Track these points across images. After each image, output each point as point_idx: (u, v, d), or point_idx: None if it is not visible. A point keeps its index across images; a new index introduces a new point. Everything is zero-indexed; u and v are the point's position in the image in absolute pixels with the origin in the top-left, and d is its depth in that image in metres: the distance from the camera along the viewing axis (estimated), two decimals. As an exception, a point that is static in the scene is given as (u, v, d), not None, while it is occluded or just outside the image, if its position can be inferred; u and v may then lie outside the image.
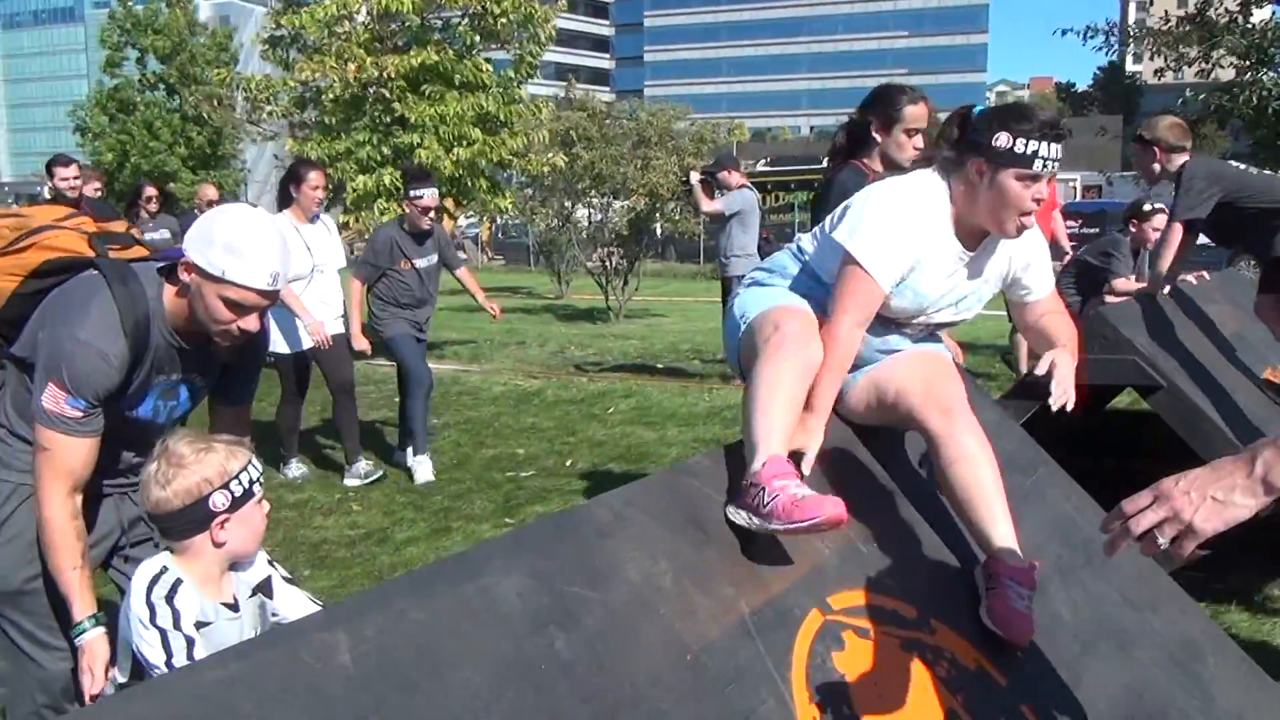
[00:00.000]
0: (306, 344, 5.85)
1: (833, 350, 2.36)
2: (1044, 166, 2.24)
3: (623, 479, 5.16)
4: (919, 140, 3.56)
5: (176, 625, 1.94)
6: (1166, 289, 4.59)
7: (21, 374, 2.26)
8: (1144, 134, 4.78)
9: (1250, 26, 10.63)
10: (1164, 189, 5.11)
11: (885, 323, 2.54)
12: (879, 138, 3.59)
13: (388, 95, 10.65)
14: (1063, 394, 2.43)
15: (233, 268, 2.10)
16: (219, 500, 2.02)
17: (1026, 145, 2.23)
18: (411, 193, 5.95)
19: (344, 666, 1.48)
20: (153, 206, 8.26)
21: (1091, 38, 12.19)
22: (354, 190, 10.40)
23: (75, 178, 7.34)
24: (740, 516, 2.10)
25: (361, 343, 6.19)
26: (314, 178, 5.82)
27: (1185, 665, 2.68)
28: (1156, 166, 4.68)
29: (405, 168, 5.66)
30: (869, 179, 3.32)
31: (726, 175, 8.73)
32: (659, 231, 19.81)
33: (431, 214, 6.06)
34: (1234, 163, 5.06)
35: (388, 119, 10.89)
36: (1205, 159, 4.87)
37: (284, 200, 5.88)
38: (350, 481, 5.99)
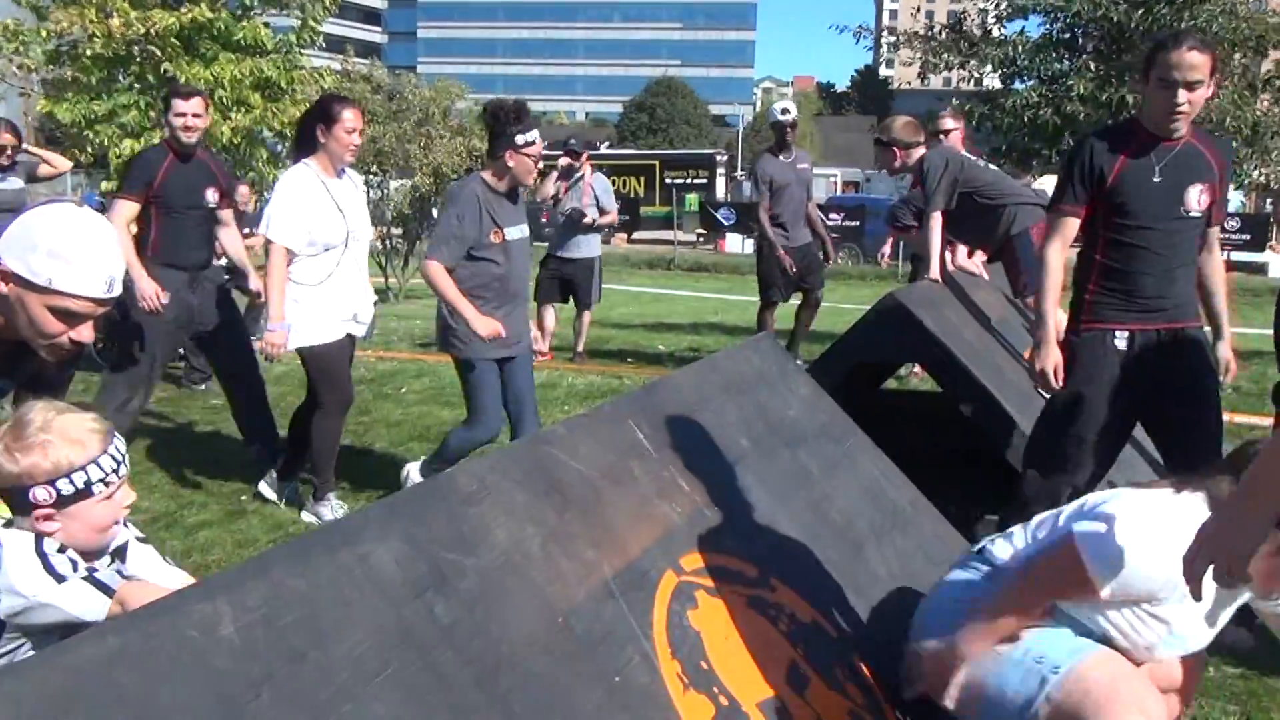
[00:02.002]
0: (357, 331, 4.69)
1: None
2: None
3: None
4: None
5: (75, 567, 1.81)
6: (938, 275, 4.97)
7: None
8: (881, 136, 5.32)
9: (1002, 39, 11.61)
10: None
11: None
12: None
13: (158, 54, 9.91)
14: None
15: (61, 275, 1.89)
16: (40, 494, 1.84)
17: None
18: (518, 139, 4.27)
19: (229, 638, 1.42)
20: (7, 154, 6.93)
21: (864, 38, 12.97)
22: (117, 157, 9.62)
23: None
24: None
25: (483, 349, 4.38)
26: (350, 118, 4.43)
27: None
28: (897, 163, 5.22)
29: (497, 100, 4.32)
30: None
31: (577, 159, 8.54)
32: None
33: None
34: (965, 153, 5.45)
35: (155, 80, 10.14)
36: (940, 148, 5.30)
37: (305, 147, 4.51)
38: (308, 517, 4.67)
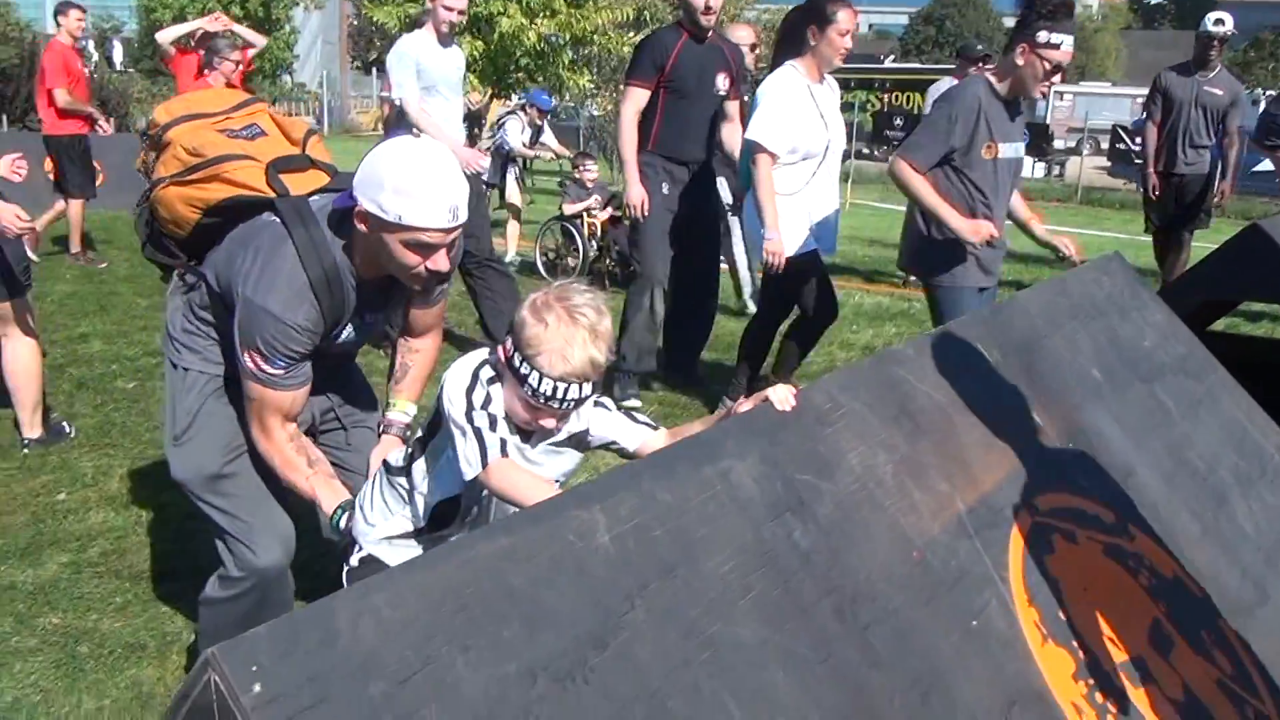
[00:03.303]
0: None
1: None
2: None
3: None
4: None
5: (492, 427, 1.84)
6: None
7: (207, 282, 2.21)
8: None
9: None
10: None
11: None
12: None
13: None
14: None
15: (408, 210, 1.92)
16: (503, 354, 1.86)
17: None
18: (1040, 35, 3.55)
19: (604, 546, 1.41)
20: None
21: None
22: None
23: (79, 20, 7.60)
24: None
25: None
26: (845, 19, 4.17)
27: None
28: None
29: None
30: None
31: None
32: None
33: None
34: None
35: (470, -17, 10.47)
36: None
37: (791, 49, 4.27)
38: None
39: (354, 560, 2.09)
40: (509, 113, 9.14)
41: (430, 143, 2.05)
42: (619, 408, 2.03)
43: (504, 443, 1.83)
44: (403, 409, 2.44)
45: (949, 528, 1.87)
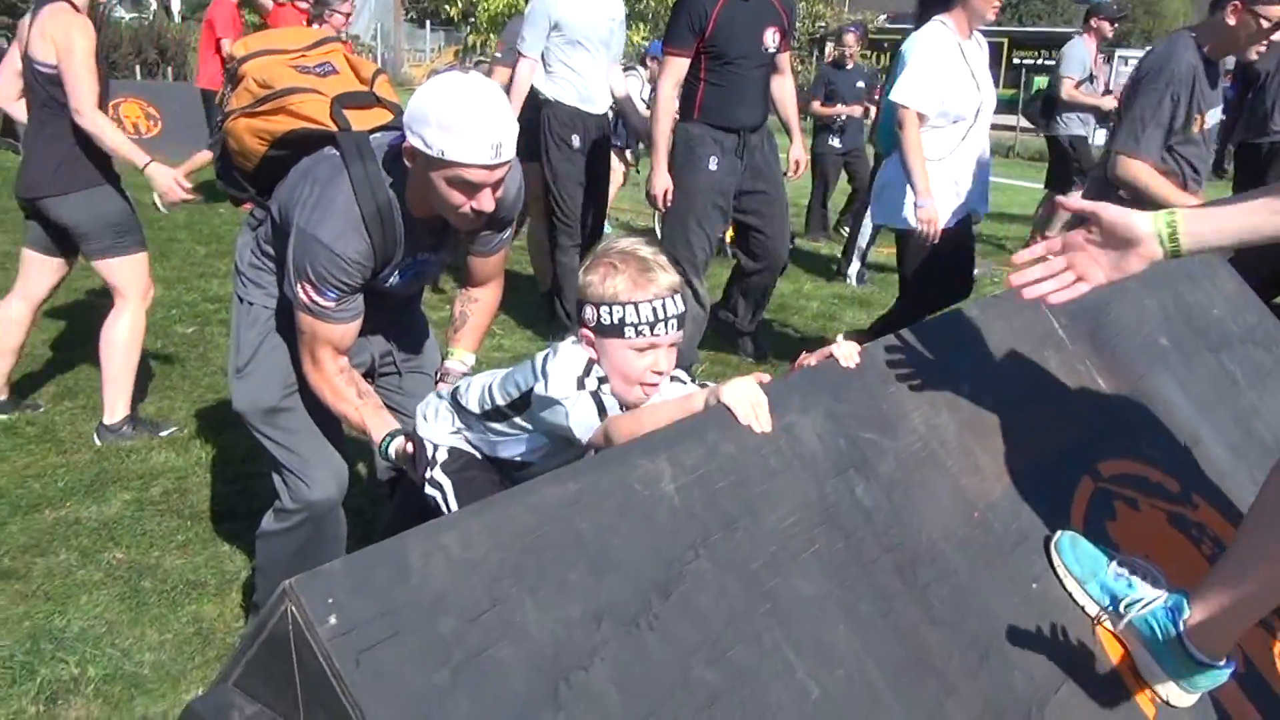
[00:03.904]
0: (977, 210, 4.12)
1: None
2: None
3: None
4: None
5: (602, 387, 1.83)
6: None
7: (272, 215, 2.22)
8: None
9: None
10: None
11: None
12: None
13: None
14: None
15: (450, 146, 1.91)
16: (588, 313, 1.85)
17: None
18: None
19: (669, 495, 1.42)
20: None
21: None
22: (486, 9, 9.93)
23: None
24: None
25: None
26: None
27: None
28: None
29: None
30: None
31: None
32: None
33: None
34: None
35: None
36: None
37: (937, 2, 3.96)
38: None
39: (441, 455, 2.08)
40: (628, 67, 7.58)
41: (478, 78, 2.02)
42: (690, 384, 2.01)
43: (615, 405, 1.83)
44: (460, 358, 2.46)
45: (1010, 490, 1.85)
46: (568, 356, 1.86)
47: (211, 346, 4.96)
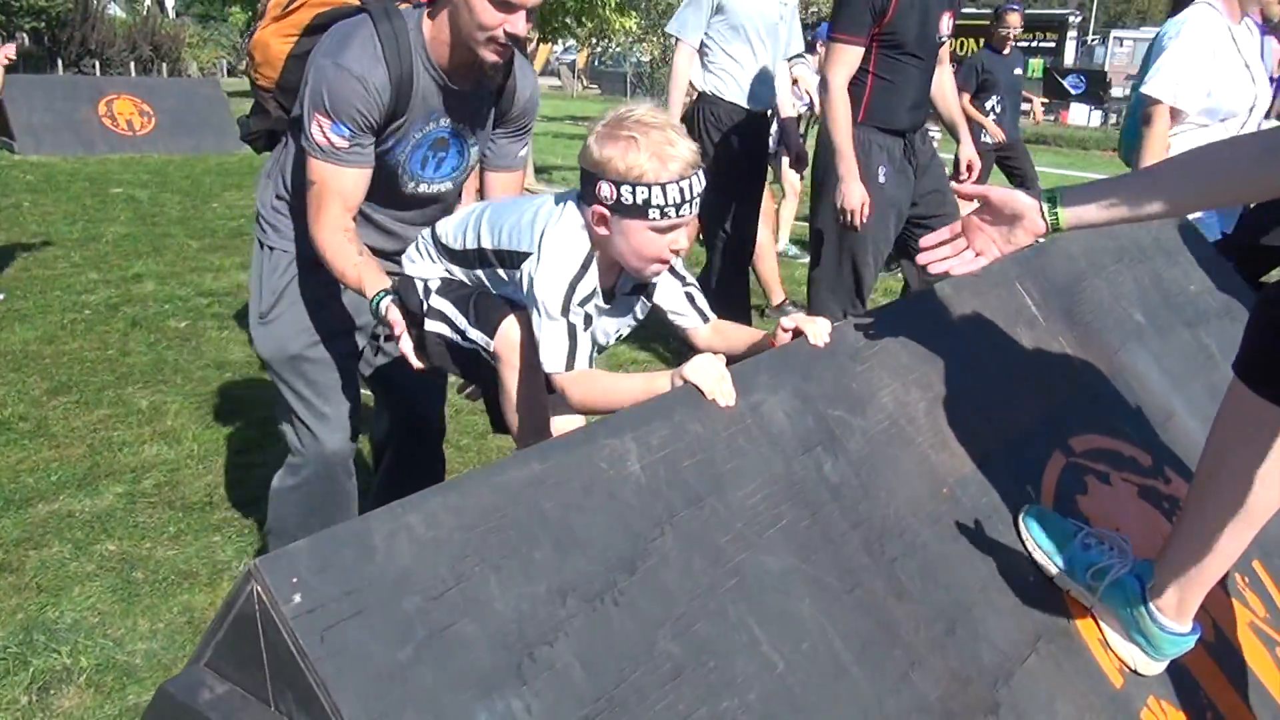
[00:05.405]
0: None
1: None
2: None
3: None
4: None
5: (586, 325, 1.81)
6: None
7: (298, 142, 2.20)
8: None
9: None
10: None
11: None
12: None
13: None
14: None
15: None
16: (605, 191, 1.74)
17: None
18: None
19: (635, 474, 1.44)
20: None
21: None
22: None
23: None
24: None
25: None
26: None
27: None
28: None
29: None
30: None
31: None
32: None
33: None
34: None
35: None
36: None
37: None
38: None
39: (434, 284, 2.03)
40: (796, 56, 5.52)
41: None
42: (684, 284, 2.01)
43: (591, 349, 1.80)
44: None
45: (980, 465, 1.88)
46: (566, 243, 1.80)
47: (204, 340, 4.99)
